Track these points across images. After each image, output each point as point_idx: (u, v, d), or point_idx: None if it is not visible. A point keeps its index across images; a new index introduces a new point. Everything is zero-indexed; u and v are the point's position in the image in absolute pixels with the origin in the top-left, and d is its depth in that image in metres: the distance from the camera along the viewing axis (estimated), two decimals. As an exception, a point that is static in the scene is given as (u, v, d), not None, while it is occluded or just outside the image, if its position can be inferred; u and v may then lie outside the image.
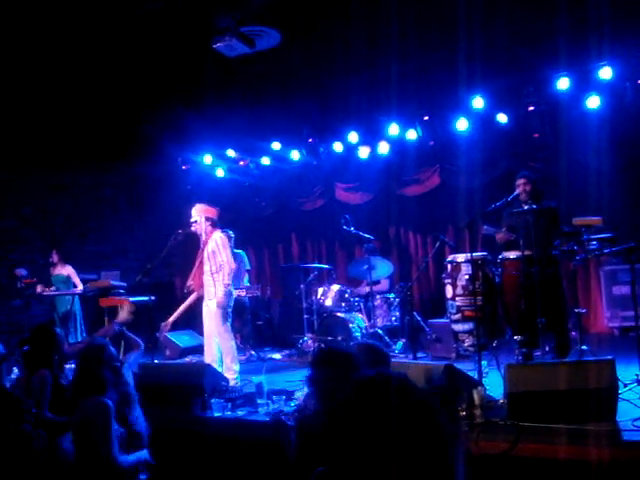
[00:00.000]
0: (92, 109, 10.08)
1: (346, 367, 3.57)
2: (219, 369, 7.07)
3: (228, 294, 7.28)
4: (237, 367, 7.37)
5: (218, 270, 7.26)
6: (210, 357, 7.36)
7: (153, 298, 8.27)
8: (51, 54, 8.38)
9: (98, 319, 8.65)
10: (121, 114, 10.42)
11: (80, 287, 10.32)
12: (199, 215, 7.46)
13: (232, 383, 6.99)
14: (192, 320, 12.04)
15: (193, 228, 7.52)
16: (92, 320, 10.33)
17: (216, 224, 7.53)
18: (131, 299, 8.41)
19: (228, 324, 7.35)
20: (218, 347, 7.33)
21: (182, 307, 7.79)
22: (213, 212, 7.54)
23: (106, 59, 8.66)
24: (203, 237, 7.44)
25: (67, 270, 10.48)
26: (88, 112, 10.16)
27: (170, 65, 8.95)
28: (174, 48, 8.43)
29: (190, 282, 7.59)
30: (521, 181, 6.86)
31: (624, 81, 8.44)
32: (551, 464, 4.48)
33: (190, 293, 7.65)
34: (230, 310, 7.39)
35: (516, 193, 6.75)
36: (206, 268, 7.32)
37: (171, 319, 7.89)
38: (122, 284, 9.53)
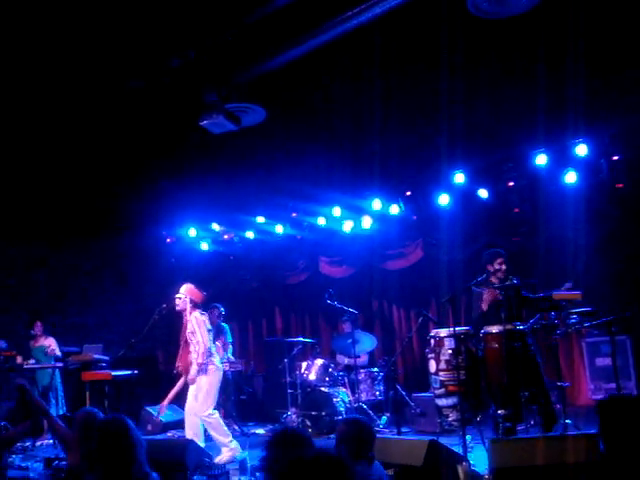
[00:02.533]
0: (76, 182, 10.16)
1: (299, 449, 3.56)
2: (201, 444, 7.00)
3: (203, 371, 7.42)
4: (230, 436, 7.52)
5: (197, 350, 7.45)
6: (191, 432, 7.38)
7: (136, 372, 8.23)
8: (34, 127, 8.49)
9: (80, 393, 8.53)
10: (104, 188, 10.51)
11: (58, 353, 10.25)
12: (184, 294, 7.66)
13: (229, 455, 7.19)
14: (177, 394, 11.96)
15: (176, 302, 7.68)
16: (73, 395, 10.18)
17: (197, 306, 7.69)
18: (114, 373, 8.42)
19: (210, 402, 7.44)
20: (201, 424, 7.42)
21: (174, 390, 7.87)
22: (198, 295, 7.75)
23: (91, 134, 8.78)
24: (185, 316, 7.63)
25: (49, 342, 10.38)
26: (71, 186, 10.24)
27: (155, 139, 9.09)
28: (159, 123, 8.58)
29: (178, 364, 7.66)
30: (500, 260, 6.97)
31: (599, 157, 8.68)
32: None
33: (180, 374, 7.69)
34: (215, 388, 7.51)
35: (497, 268, 6.84)
36: (191, 348, 7.48)
37: (165, 402, 8.01)
38: (105, 357, 9.44)
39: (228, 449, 7.36)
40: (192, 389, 7.48)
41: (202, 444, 7.07)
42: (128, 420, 3.87)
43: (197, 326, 7.50)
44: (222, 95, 7.30)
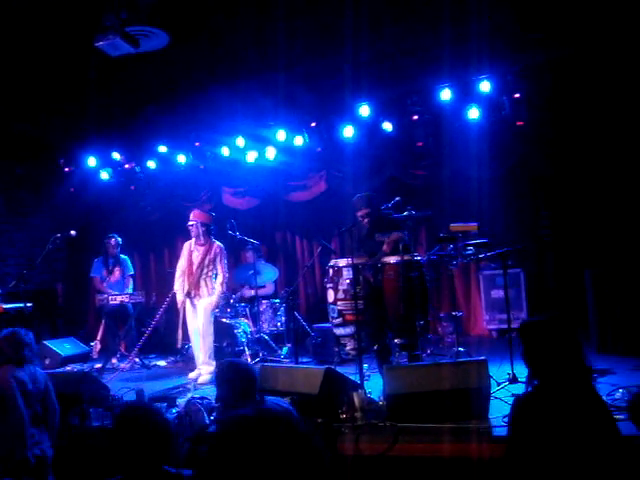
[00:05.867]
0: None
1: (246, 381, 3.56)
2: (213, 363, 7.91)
3: (222, 298, 8.39)
4: (215, 362, 7.92)
5: (211, 276, 8.08)
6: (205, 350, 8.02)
7: (30, 305, 7.98)
8: None
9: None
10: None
11: None
12: (194, 220, 8.20)
13: (209, 377, 7.60)
14: (77, 327, 11.70)
15: (190, 230, 8.23)
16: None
17: (211, 231, 8.23)
18: (4, 306, 8.14)
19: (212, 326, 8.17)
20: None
21: (182, 315, 8.23)
22: (207, 217, 8.30)
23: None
24: (200, 240, 8.17)
25: None
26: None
27: (52, 61, 8.64)
28: (56, 44, 8.15)
29: (190, 288, 8.06)
30: (362, 212, 7.04)
31: (501, 95, 8.79)
32: (427, 462, 4.62)
33: (189, 294, 8.08)
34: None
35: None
36: (204, 271, 8.06)
37: (180, 331, 8.28)
38: (-3, 291, 9.12)
39: (210, 371, 7.73)
40: (196, 311, 8.06)
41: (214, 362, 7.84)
42: None
43: (220, 254, 8.12)
44: (121, 18, 6.96)
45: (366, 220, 6.98)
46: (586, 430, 2.93)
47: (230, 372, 4.13)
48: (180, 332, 8.27)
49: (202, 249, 8.15)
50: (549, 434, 2.93)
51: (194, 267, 8.11)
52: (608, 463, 2.88)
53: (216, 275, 8.16)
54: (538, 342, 3.18)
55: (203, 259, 8.07)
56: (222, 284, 8.12)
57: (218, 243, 8.23)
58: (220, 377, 4.19)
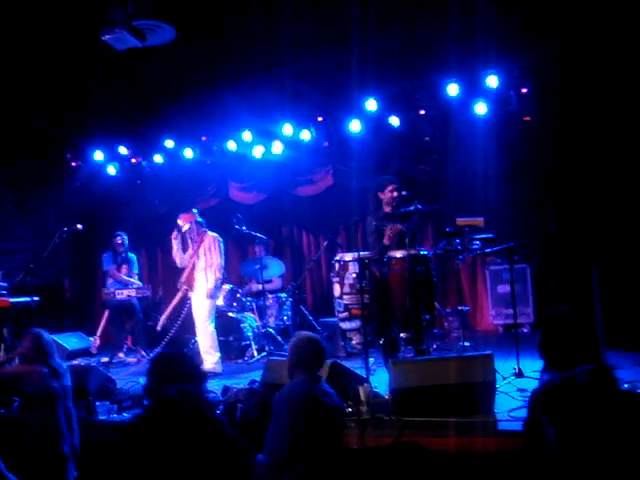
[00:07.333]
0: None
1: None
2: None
3: (218, 287, 8.13)
4: (219, 353, 7.98)
5: (210, 265, 7.94)
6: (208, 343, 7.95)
7: (36, 299, 8.00)
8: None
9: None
10: (3, 107, 9.99)
11: None
12: (188, 222, 8.11)
13: (212, 367, 7.71)
14: (84, 322, 11.72)
15: (187, 234, 8.16)
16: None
17: (202, 224, 8.15)
18: (12, 300, 8.16)
19: (213, 316, 8.04)
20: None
21: (172, 304, 8.25)
22: (192, 216, 8.15)
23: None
24: (195, 237, 8.12)
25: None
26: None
27: (59, 55, 8.65)
28: (62, 39, 8.16)
29: (183, 280, 8.07)
30: (391, 187, 6.91)
31: (509, 89, 8.78)
32: (432, 456, 4.61)
33: (185, 289, 8.06)
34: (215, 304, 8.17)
35: (389, 196, 6.82)
36: (200, 264, 7.96)
37: (164, 316, 8.35)
38: (3, 284, 9.11)
39: (213, 361, 7.81)
40: (196, 305, 7.97)
41: (218, 353, 7.90)
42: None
43: (216, 244, 8.04)
44: (128, 11, 6.96)
45: (395, 195, 6.84)
46: (607, 421, 2.95)
47: (298, 342, 4.23)
48: (163, 317, 8.33)
49: (196, 244, 8.12)
50: (572, 424, 2.95)
51: (190, 259, 8.09)
52: (628, 453, 2.91)
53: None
54: (559, 333, 3.19)
55: (197, 250, 8.02)
56: (217, 271, 7.98)
57: (211, 233, 8.13)
58: (290, 347, 4.32)
